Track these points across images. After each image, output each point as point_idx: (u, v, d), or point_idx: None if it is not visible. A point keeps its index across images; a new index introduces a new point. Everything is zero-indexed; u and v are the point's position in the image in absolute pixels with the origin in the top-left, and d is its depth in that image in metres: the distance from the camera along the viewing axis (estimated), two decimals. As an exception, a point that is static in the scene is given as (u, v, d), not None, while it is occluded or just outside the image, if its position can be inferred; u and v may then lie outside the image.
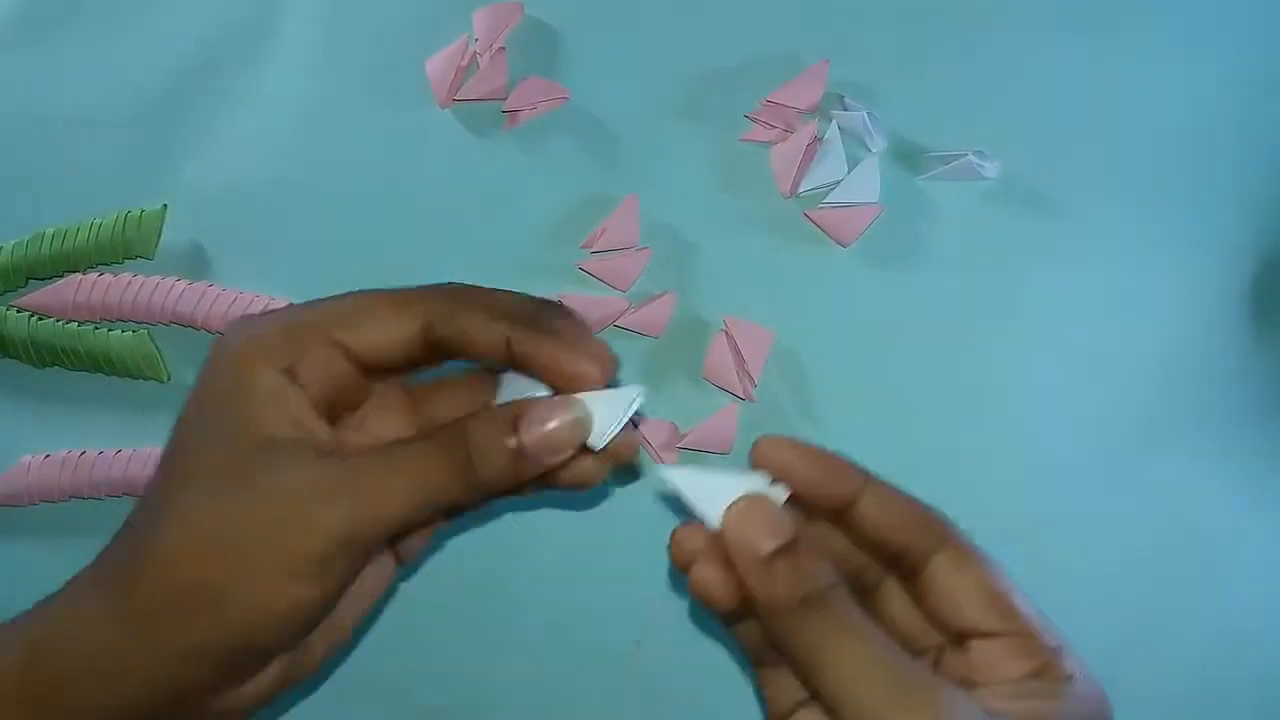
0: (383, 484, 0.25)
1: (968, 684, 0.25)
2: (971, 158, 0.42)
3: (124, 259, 0.45)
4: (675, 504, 0.27)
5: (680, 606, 0.41)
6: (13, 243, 0.44)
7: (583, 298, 0.43)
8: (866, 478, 0.27)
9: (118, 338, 0.43)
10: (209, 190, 0.45)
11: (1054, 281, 0.42)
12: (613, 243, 0.43)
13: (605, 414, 0.27)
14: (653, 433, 0.41)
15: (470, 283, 0.28)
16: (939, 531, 0.27)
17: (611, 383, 0.28)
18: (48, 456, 0.42)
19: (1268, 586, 0.40)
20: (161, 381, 0.43)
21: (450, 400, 0.30)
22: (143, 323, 0.44)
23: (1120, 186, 0.43)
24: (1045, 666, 0.25)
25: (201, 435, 0.26)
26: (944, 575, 0.26)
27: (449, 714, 0.40)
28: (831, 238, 0.43)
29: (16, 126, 0.47)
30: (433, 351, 0.27)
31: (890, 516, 0.27)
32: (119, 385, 0.44)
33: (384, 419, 0.30)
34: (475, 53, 0.45)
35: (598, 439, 0.27)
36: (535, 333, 0.27)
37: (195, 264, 0.45)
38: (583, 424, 0.26)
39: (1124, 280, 0.42)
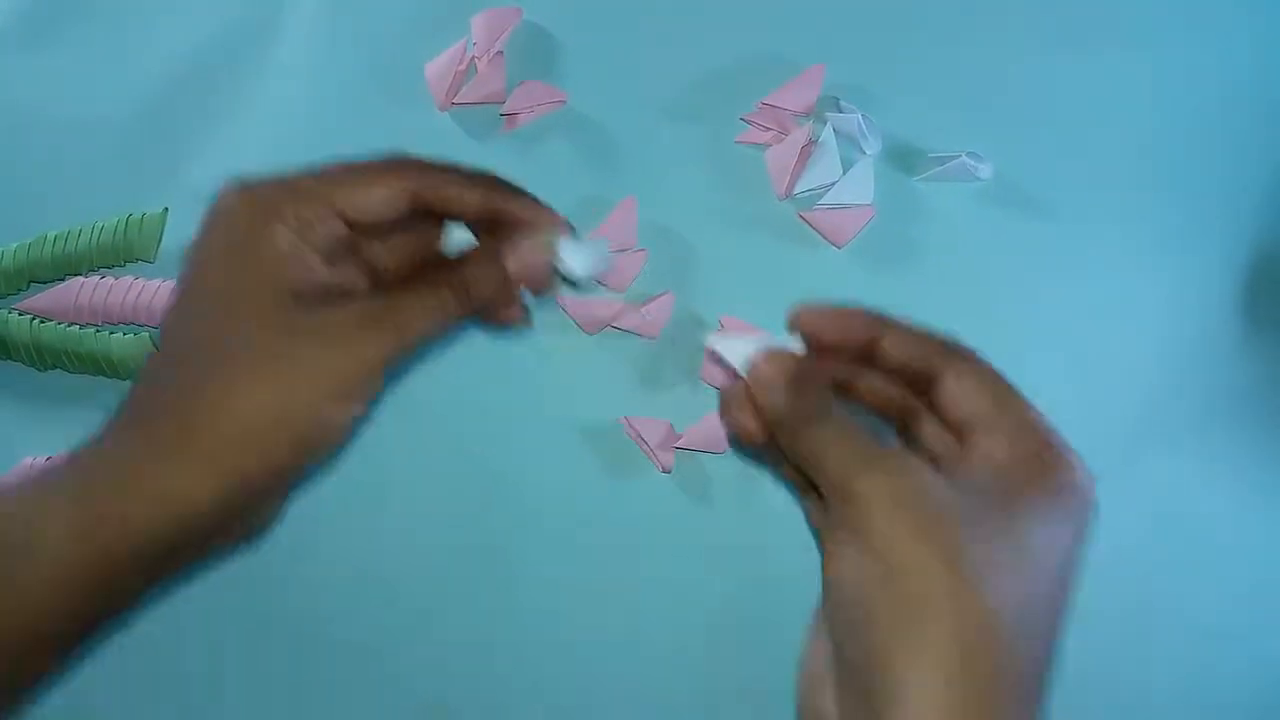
0: (411, 313, 0.30)
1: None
2: (965, 159, 0.42)
3: (125, 262, 0.45)
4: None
5: (682, 605, 0.41)
6: (14, 245, 0.45)
7: (581, 299, 0.43)
8: (884, 321, 0.32)
9: (119, 340, 0.43)
10: (210, 193, 0.45)
11: (1047, 282, 0.43)
12: (611, 244, 0.43)
13: (577, 254, 0.34)
14: (649, 432, 0.42)
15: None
16: (951, 352, 0.31)
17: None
18: (50, 458, 0.43)
19: (1261, 585, 0.40)
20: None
21: (402, 248, 0.34)
22: (143, 325, 0.44)
23: (1112, 188, 0.43)
24: (1016, 444, 0.28)
25: (231, 287, 0.29)
26: (951, 383, 0.30)
27: (450, 712, 0.40)
28: (826, 239, 0.43)
29: (18, 130, 0.47)
30: (414, 213, 0.32)
31: (907, 347, 0.31)
32: (120, 388, 0.44)
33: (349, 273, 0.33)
34: (474, 57, 0.45)
35: (579, 271, 0.34)
36: (506, 193, 0.33)
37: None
38: (549, 252, 0.33)
39: (1116, 281, 0.43)
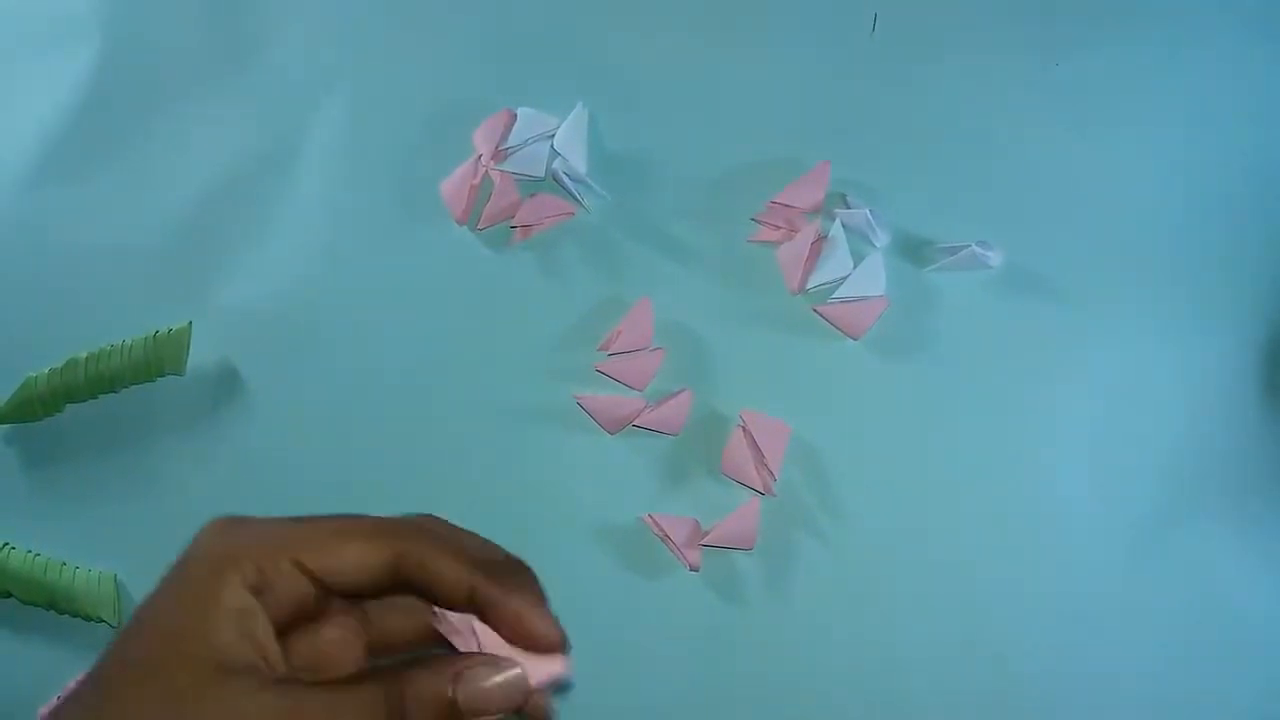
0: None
1: None
2: (974, 248, 0.43)
3: (156, 376, 0.46)
4: None
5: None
6: (48, 370, 0.46)
7: (601, 398, 0.44)
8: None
9: (83, 576, 0.44)
10: (237, 311, 0.47)
11: (1063, 366, 0.43)
12: (628, 344, 0.44)
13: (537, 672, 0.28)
14: (675, 530, 0.42)
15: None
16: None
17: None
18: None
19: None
20: (113, 626, 0.44)
21: (401, 617, 0.31)
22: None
23: (1123, 270, 0.44)
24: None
25: (161, 642, 0.26)
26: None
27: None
28: (842, 331, 0.44)
29: (47, 256, 0.49)
30: (397, 585, 0.28)
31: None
32: (72, 624, 0.44)
33: (334, 634, 0.30)
34: (484, 169, 0.47)
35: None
36: (502, 587, 0.28)
37: (226, 382, 0.46)
38: (518, 688, 0.27)
39: (1132, 362, 0.43)
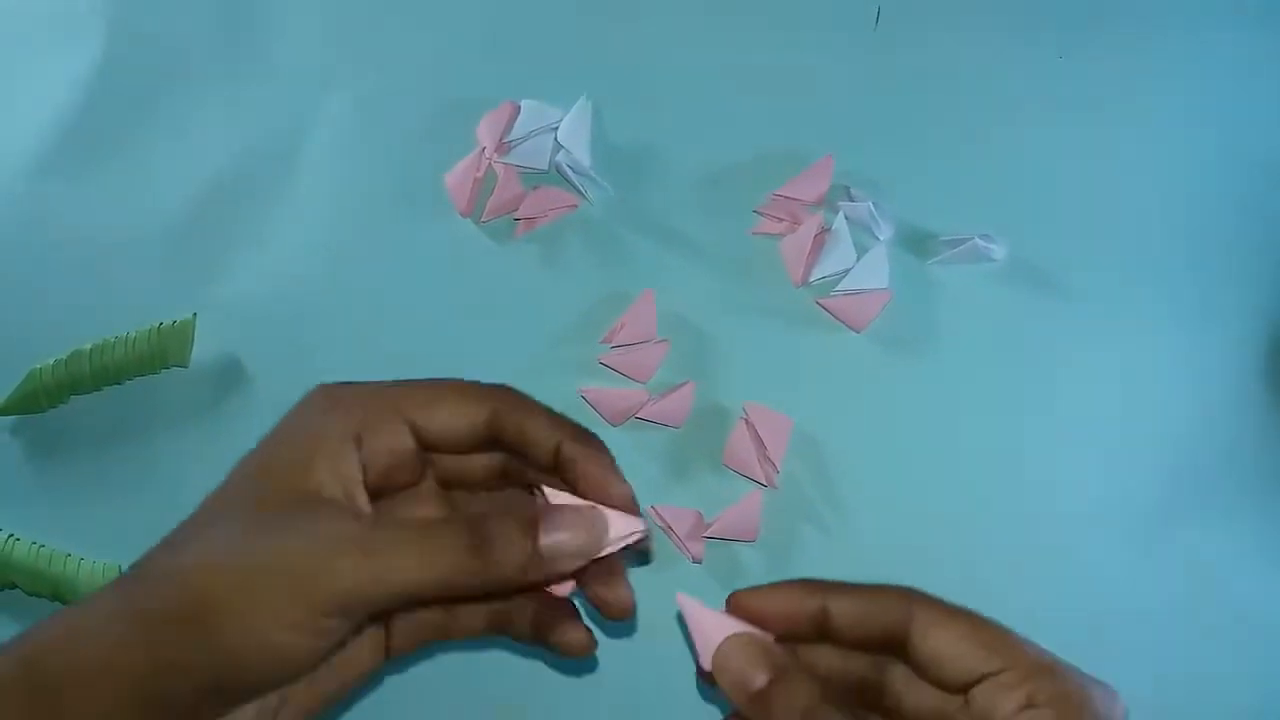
0: (398, 552, 0.26)
1: None
2: (978, 241, 0.43)
3: (161, 368, 0.46)
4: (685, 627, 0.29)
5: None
6: (52, 361, 0.46)
7: (605, 391, 0.44)
8: (825, 588, 0.28)
9: (87, 567, 0.44)
10: (241, 304, 0.47)
11: (1065, 359, 0.43)
12: (631, 336, 0.44)
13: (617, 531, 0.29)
14: (679, 522, 0.42)
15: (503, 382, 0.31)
16: (908, 603, 0.27)
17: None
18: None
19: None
20: None
21: (487, 504, 0.32)
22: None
23: (1127, 264, 0.44)
24: (1035, 691, 0.25)
25: (257, 471, 0.28)
26: (924, 641, 0.27)
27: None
28: (845, 324, 0.44)
29: (53, 250, 0.49)
30: (490, 441, 0.30)
31: (859, 610, 0.28)
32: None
33: (422, 509, 0.31)
34: (488, 160, 0.47)
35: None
36: (584, 445, 0.29)
37: (230, 374, 0.46)
38: (595, 539, 0.28)
39: (1136, 356, 0.43)
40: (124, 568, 0.44)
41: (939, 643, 0.26)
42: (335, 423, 0.28)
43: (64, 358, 0.46)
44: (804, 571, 0.41)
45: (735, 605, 0.29)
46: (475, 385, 0.30)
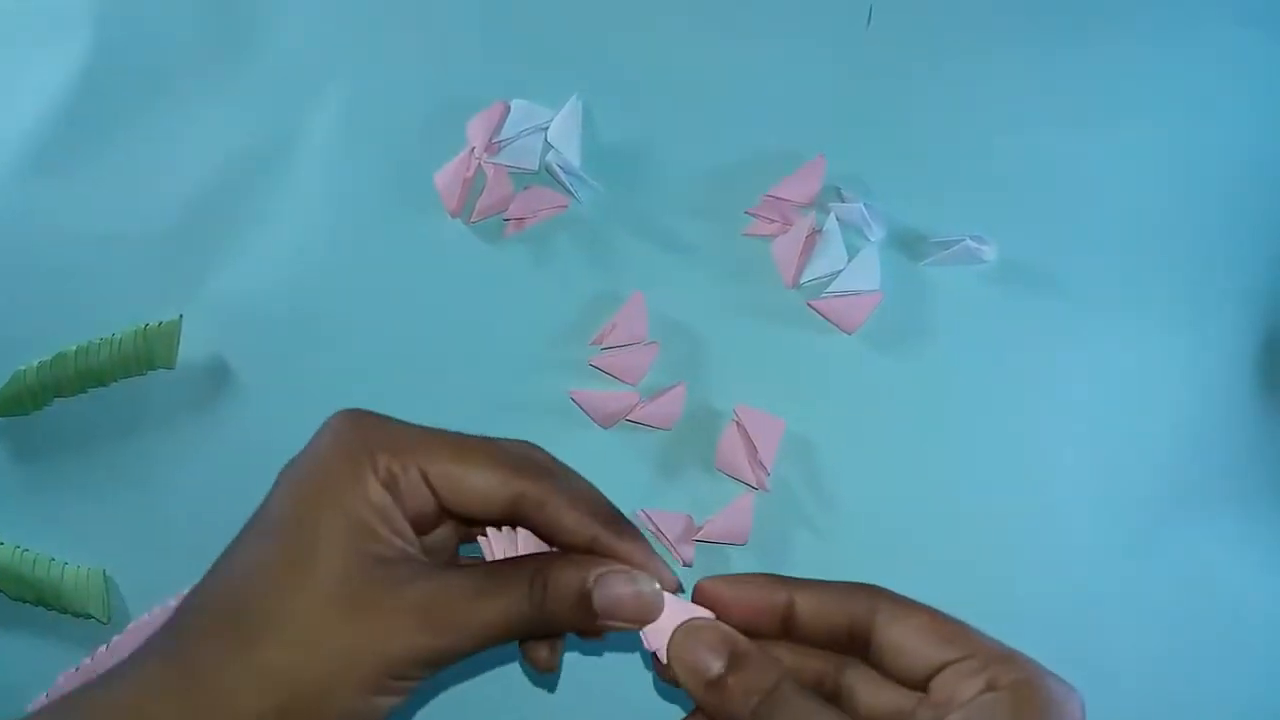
0: (471, 612, 0.27)
1: None
2: (969, 242, 0.43)
3: (146, 370, 0.46)
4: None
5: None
6: (36, 363, 0.45)
7: (595, 393, 0.43)
8: (792, 583, 0.28)
9: (71, 572, 0.43)
10: (228, 304, 0.46)
11: (1057, 360, 0.43)
12: (622, 338, 0.44)
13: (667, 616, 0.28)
14: (669, 526, 0.41)
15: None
16: (873, 598, 0.27)
17: None
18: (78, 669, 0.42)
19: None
20: (103, 622, 0.43)
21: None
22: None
23: (1119, 264, 0.44)
24: (995, 677, 0.25)
25: (319, 538, 0.27)
26: (887, 632, 0.27)
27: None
28: (836, 325, 0.44)
29: (37, 250, 0.48)
30: (511, 519, 0.29)
31: (825, 604, 0.28)
32: (61, 619, 0.44)
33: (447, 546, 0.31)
34: (477, 161, 0.46)
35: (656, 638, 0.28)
36: (620, 536, 0.29)
37: (217, 375, 0.46)
38: (653, 606, 0.28)
39: (1129, 356, 0.43)
40: (108, 573, 0.44)
41: (900, 633, 0.27)
42: (368, 476, 0.27)
43: (48, 360, 0.45)
44: (797, 574, 0.41)
45: (701, 593, 0.28)
46: (507, 457, 0.28)
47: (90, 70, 0.50)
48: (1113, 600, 0.40)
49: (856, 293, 0.43)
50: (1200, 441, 0.42)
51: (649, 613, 0.28)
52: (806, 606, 0.28)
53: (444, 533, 0.31)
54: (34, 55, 0.50)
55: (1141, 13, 0.46)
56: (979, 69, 0.46)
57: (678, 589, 0.29)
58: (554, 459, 0.30)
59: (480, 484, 0.28)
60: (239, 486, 0.44)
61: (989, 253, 0.44)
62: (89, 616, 0.43)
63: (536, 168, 0.46)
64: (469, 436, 0.29)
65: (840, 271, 0.44)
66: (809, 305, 0.44)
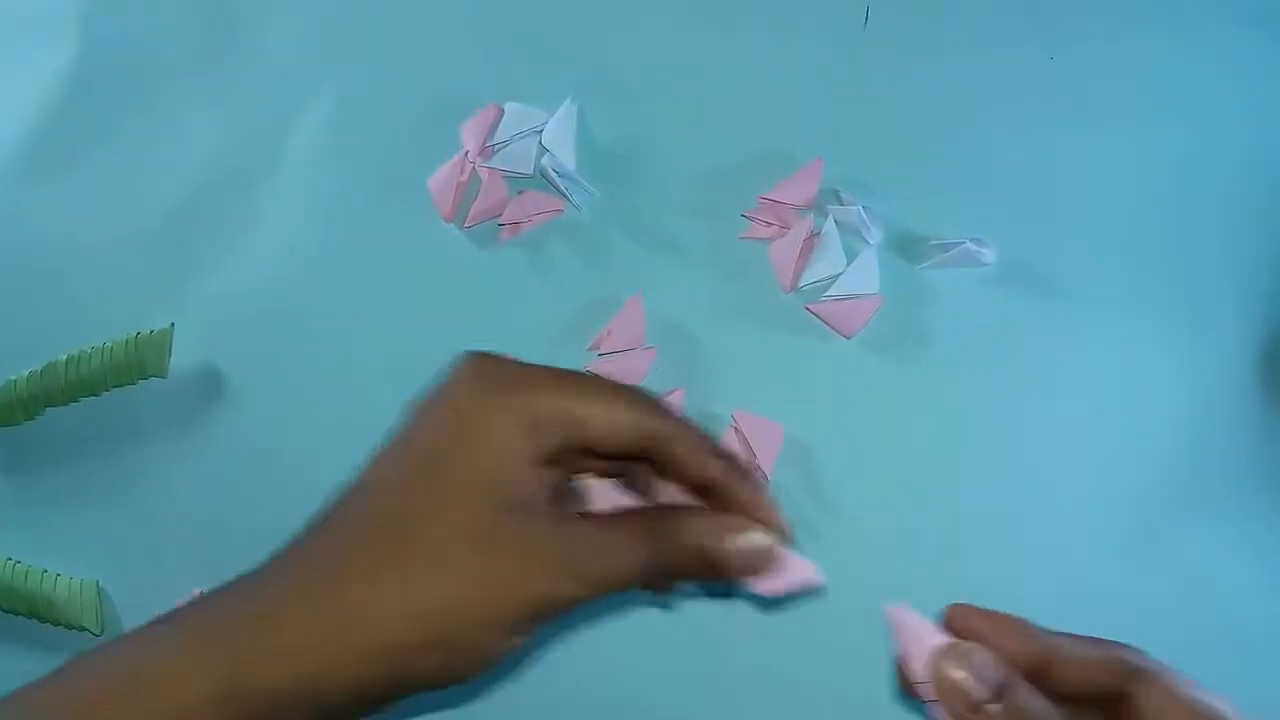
0: (599, 563, 0.28)
1: None
2: (969, 245, 0.42)
3: (138, 379, 0.45)
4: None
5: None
6: (27, 373, 0.45)
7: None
8: (1054, 642, 0.28)
9: (64, 583, 0.43)
10: (220, 312, 0.46)
11: (1058, 363, 0.43)
12: (619, 343, 0.44)
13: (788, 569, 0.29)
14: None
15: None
16: (1137, 667, 0.28)
17: None
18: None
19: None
20: (96, 634, 0.43)
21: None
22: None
23: (1119, 266, 0.43)
24: None
25: (450, 479, 0.28)
26: (1152, 708, 0.27)
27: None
28: (834, 329, 0.43)
29: (27, 257, 0.48)
30: (637, 454, 0.30)
31: (1088, 673, 0.28)
32: (53, 632, 0.44)
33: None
34: (471, 165, 0.46)
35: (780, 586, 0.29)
36: (740, 477, 0.30)
37: (209, 383, 0.45)
38: (769, 559, 0.29)
39: (1129, 358, 0.43)
40: (102, 584, 0.43)
41: (1159, 711, 0.27)
42: (505, 418, 0.28)
43: (39, 369, 0.45)
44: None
45: (955, 618, 0.29)
46: (641, 397, 0.29)
47: (78, 74, 0.49)
48: (1112, 601, 0.40)
49: (855, 296, 0.43)
50: (1200, 443, 0.42)
51: (765, 566, 0.29)
52: (1067, 663, 0.28)
53: (557, 472, 0.31)
54: (21, 59, 0.50)
55: (1141, 14, 0.46)
56: (977, 70, 0.46)
57: (788, 538, 0.30)
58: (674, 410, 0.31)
59: (619, 418, 0.29)
60: (233, 495, 0.44)
61: (989, 255, 0.43)
62: (82, 629, 0.43)
63: (531, 172, 0.46)
64: (594, 376, 0.30)
65: (839, 275, 0.43)
66: (807, 309, 0.44)
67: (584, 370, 0.29)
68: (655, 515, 0.29)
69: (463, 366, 0.29)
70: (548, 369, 0.29)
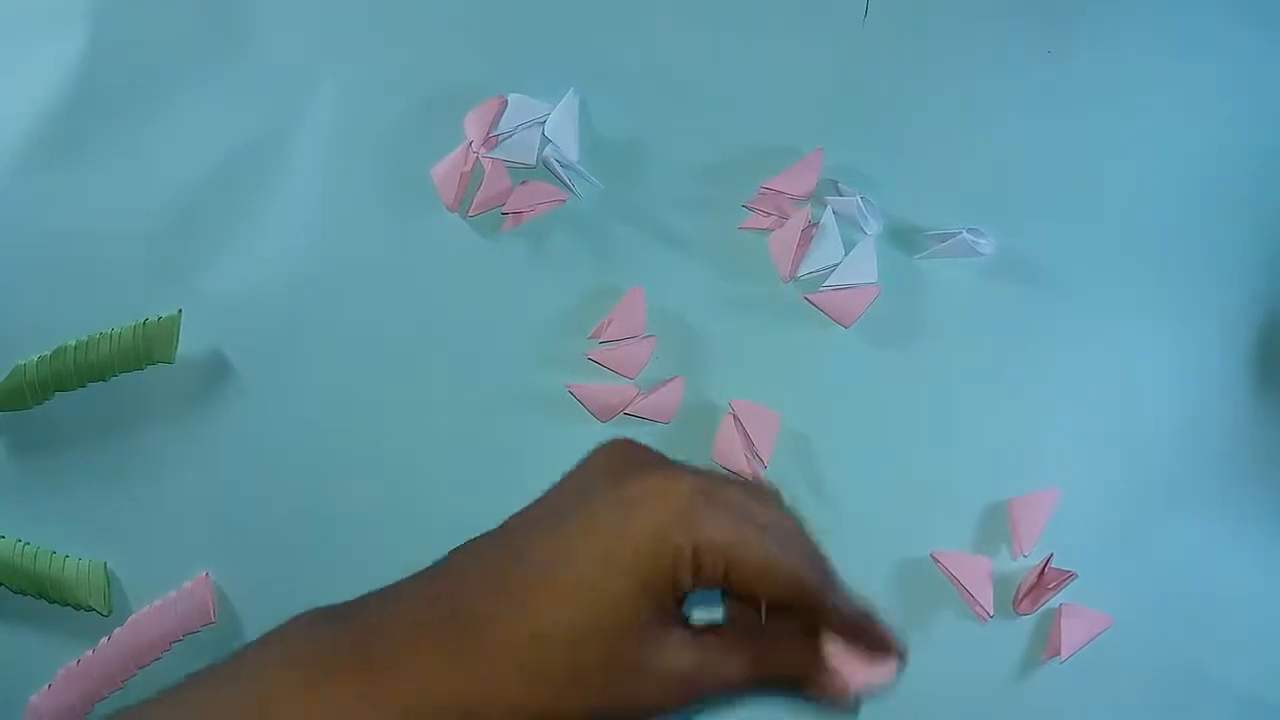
0: (712, 679, 0.28)
1: None
2: (966, 235, 0.43)
3: (145, 365, 0.46)
4: None
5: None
6: (36, 358, 0.46)
7: (593, 386, 0.43)
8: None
9: (72, 564, 0.44)
10: (226, 299, 0.46)
11: (1053, 352, 0.43)
12: (619, 332, 0.44)
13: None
14: (966, 572, 0.41)
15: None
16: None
17: None
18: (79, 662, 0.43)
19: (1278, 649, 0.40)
20: (104, 615, 0.44)
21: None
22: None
23: (1115, 257, 0.44)
24: None
25: (613, 601, 0.27)
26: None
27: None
28: (832, 319, 0.44)
29: (37, 246, 0.48)
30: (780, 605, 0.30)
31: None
32: (63, 613, 0.44)
33: None
34: (476, 156, 0.46)
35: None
36: (874, 634, 0.30)
37: (216, 370, 0.46)
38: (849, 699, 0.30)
39: (1124, 350, 0.43)
40: (110, 565, 0.44)
41: None
42: (683, 561, 0.27)
43: (48, 354, 0.46)
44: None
45: None
46: (795, 562, 0.28)
47: (85, 68, 0.50)
48: (1106, 594, 0.41)
49: (853, 286, 0.43)
50: (1194, 435, 0.42)
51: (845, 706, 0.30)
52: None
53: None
54: (29, 53, 0.50)
55: (1138, 7, 0.46)
56: (976, 62, 0.46)
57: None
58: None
59: (771, 577, 0.28)
60: (238, 479, 0.45)
61: (986, 246, 0.44)
62: (90, 609, 0.44)
63: (534, 162, 0.46)
64: (771, 533, 0.29)
65: (837, 265, 0.44)
66: (806, 299, 0.44)
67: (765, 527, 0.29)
68: (768, 640, 0.30)
69: (660, 487, 0.28)
70: (736, 528, 0.28)
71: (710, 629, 0.29)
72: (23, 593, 0.44)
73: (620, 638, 0.27)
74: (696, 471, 0.29)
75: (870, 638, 0.30)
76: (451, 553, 0.30)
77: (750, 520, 0.28)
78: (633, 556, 0.27)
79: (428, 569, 0.30)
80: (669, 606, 0.28)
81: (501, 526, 0.30)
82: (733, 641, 0.29)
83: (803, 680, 0.30)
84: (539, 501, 0.30)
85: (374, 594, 0.30)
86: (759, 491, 0.30)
